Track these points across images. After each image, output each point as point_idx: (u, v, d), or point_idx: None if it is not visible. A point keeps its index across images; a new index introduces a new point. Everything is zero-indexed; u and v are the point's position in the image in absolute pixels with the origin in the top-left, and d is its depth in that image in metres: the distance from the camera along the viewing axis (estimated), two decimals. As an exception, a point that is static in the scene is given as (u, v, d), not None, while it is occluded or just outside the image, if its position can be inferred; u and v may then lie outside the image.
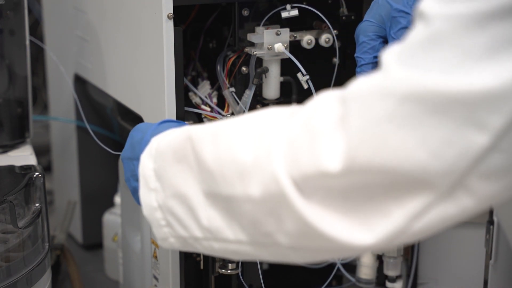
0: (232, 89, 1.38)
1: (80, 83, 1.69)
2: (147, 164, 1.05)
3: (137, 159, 1.10)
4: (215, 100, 1.41)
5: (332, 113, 0.87)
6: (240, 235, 0.95)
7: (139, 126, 1.19)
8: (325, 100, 0.90)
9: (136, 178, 1.12)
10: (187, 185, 0.98)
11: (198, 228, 0.98)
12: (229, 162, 0.93)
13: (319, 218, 0.87)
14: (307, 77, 1.35)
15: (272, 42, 1.34)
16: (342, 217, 0.86)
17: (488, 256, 1.27)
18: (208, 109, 1.39)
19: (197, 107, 1.40)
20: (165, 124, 1.16)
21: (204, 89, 1.41)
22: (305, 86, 1.35)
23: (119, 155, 1.50)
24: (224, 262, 1.38)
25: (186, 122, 1.25)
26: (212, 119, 1.39)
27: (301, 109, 0.92)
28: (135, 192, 1.14)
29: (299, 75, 1.36)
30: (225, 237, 0.96)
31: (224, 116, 1.37)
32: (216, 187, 0.95)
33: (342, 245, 0.86)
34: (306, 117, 0.89)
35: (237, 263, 1.37)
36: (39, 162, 1.44)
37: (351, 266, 1.50)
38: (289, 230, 0.90)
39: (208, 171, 0.95)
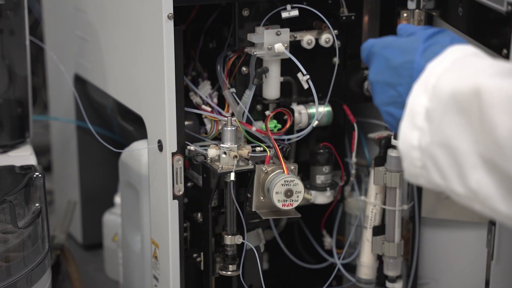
0: (233, 89, 1.38)
1: (80, 83, 1.69)
2: (419, 99, 0.95)
3: (402, 85, 1.02)
4: (215, 100, 1.41)
5: None
6: None
7: (394, 42, 1.05)
8: None
9: (398, 105, 1.04)
10: (461, 140, 0.90)
11: (461, 185, 0.92)
12: None
13: None
14: (307, 77, 1.35)
15: (272, 42, 1.33)
16: None
17: (490, 256, 1.26)
18: (209, 109, 1.39)
19: (198, 107, 1.40)
20: (434, 40, 1.02)
21: (205, 89, 1.41)
22: (305, 86, 1.35)
23: (119, 155, 1.51)
24: (225, 264, 1.38)
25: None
26: (212, 119, 1.39)
27: None
28: (391, 118, 1.05)
29: (299, 75, 1.36)
30: (494, 207, 0.90)
31: (225, 116, 1.37)
32: (502, 161, 0.86)
33: None
34: None
35: (238, 264, 1.37)
36: (39, 162, 1.44)
37: (351, 266, 1.50)
38: None
39: (495, 141, 0.86)
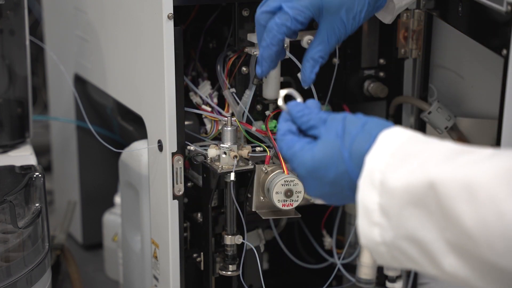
0: (233, 89, 1.38)
1: (80, 83, 1.69)
2: (369, 195, 0.95)
3: (344, 189, 1.00)
4: (215, 100, 1.41)
5: None
6: None
7: (315, 163, 1.01)
8: None
9: (343, 194, 1.01)
10: (424, 231, 0.90)
11: (436, 270, 0.92)
12: (499, 231, 0.83)
13: None
14: (307, 77, 1.34)
15: (272, 42, 1.33)
16: None
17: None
18: (209, 109, 1.39)
19: (198, 107, 1.40)
20: (347, 134, 1.00)
21: (205, 89, 1.41)
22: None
23: (119, 155, 1.51)
24: (225, 264, 1.38)
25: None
26: (212, 119, 1.39)
27: None
28: (344, 199, 1.03)
29: (299, 75, 1.35)
30: (476, 285, 0.89)
31: (225, 116, 1.37)
32: (473, 248, 0.86)
33: None
34: None
35: (238, 264, 1.37)
36: (39, 162, 1.44)
37: (351, 266, 1.50)
38: None
39: (463, 231, 0.86)
